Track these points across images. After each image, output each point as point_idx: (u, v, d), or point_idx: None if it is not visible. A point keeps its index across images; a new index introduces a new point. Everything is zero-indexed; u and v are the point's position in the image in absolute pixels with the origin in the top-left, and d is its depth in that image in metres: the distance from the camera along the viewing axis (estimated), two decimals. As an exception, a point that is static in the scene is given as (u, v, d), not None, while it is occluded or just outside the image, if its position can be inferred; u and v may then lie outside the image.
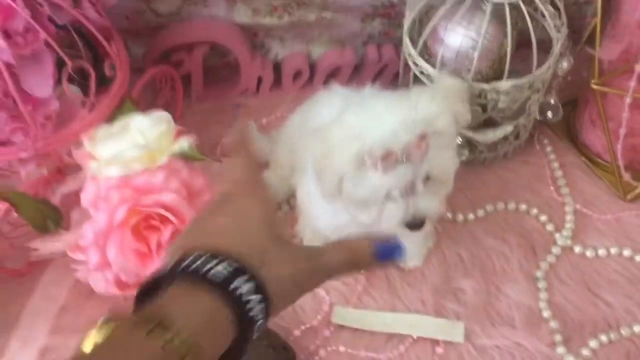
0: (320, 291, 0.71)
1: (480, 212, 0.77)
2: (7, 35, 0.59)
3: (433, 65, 0.71)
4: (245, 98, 0.88)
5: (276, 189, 0.75)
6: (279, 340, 0.66)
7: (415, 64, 0.73)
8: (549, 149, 0.83)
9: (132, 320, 0.34)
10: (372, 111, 0.59)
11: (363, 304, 0.71)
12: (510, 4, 0.68)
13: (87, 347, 0.45)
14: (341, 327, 0.69)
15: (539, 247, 0.75)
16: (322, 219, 0.66)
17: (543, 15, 0.71)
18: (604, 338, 0.68)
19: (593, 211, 0.78)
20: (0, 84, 0.61)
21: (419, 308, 0.70)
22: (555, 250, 0.75)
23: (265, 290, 0.37)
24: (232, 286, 0.36)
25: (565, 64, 0.74)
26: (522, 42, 0.71)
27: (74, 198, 0.67)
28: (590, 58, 0.73)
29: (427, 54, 0.73)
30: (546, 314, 0.70)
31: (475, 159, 0.80)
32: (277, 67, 0.87)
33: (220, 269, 0.36)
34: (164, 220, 0.62)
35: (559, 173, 0.81)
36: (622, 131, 0.73)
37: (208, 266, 0.36)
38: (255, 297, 0.36)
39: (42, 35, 0.60)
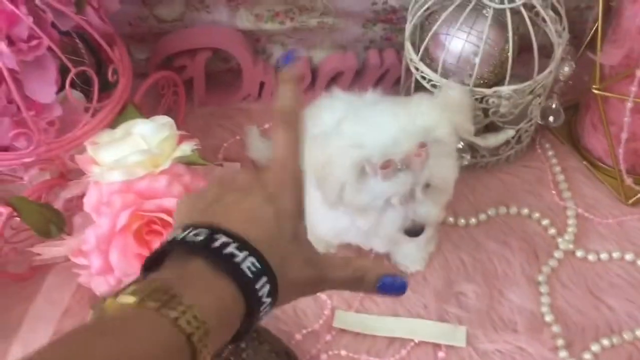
0: (322, 295, 0.71)
1: (482, 216, 0.77)
2: (11, 42, 0.60)
3: (435, 71, 0.72)
4: (247, 103, 0.88)
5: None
6: (281, 345, 0.66)
7: (417, 69, 0.73)
8: (550, 153, 0.83)
9: (144, 292, 0.33)
10: (372, 119, 0.59)
11: (365, 309, 0.71)
12: (511, 9, 0.68)
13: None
14: (343, 331, 0.69)
15: (541, 252, 0.75)
16: (323, 224, 0.66)
17: (544, 21, 0.72)
18: (606, 342, 0.68)
19: (595, 215, 0.78)
20: (3, 89, 0.61)
21: (421, 312, 0.70)
22: (558, 254, 0.75)
23: (277, 292, 0.37)
24: (256, 286, 0.35)
25: (566, 69, 0.74)
26: (523, 47, 0.72)
27: (76, 203, 0.67)
28: (592, 63, 0.73)
29: (429, 59, 0.73)
30: (548, 318, 0.70)
31: (477, 163, 0.80)
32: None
33: (249, 265, 0.35)
34: (166, 225, 0.62)
35: (560, 177, 0.81)
36: (624, 135, 0.73)
37: (240, 259, 0.35)
38: (269, 300, 0.36)
39: (46, 41, 0.61)
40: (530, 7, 0.71)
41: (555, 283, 0.73)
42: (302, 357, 0.68)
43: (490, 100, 0.71)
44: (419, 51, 0.72)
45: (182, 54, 0.83)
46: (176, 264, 0.36)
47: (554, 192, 0.80)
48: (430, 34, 0.71)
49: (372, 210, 0.60)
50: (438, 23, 0.70)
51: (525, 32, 0.69)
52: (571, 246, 0.75)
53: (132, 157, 0.63)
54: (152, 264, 0.37)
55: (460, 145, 0.75)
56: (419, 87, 0.75)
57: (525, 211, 0.78)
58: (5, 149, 0.65)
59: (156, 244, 0.62)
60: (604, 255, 0.74)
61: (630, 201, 0.78)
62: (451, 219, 0.77)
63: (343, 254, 0.74)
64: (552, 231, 0.76)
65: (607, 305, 0.71)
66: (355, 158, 0.57)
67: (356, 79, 0.87)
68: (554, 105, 0.77)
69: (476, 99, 0.71)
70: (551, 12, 0.72)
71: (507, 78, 0.70)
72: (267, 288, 0.36)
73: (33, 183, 0.68)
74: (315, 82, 0.87)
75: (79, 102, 0.68)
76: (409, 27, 0.74)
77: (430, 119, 0.58)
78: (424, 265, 0.73)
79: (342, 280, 0.41)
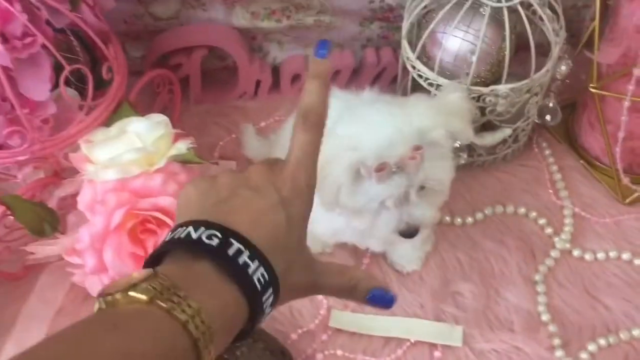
0: (318, 295, 0.71)
1: (479, 216, 0.77)
2: (5, 39, 0.59)
3: (431, 69, 0.71)
4: (243, 101, 0.87)
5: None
6: (277, 344, 0.66)
7: (414, 68, 0.73)
8: (547, 152, 0.83)
9: (155, 289, 0.32)
10: (368, 118, 0.59)
11: (361, 308, 0.70)
12: (508, 8, 0.68)
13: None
14: (339, 330, 0.69)
15: (537, 251, 0.75)
16: (320, 224, 0.66)
17: (541, 19, 0.71)
18: (602, 342, 0.68)
19: (592, 214, 0.78)
20: (-3, 87, 0.61)
21: (417, 312, 0.70)
22: (554, 253, 0.74)
23: (278, 299, 0.37)
24: (263, 298, 0.35)
25: (563, 68, 0.74)
26: (520, 46, 0.71)
27: (70, 201, 0.67)
28: (589, 61, 0.73)
29: (426, 57, 0.73)
30: (545, 317, 0.70)
31: (474, 162, 0.80)
32: (275, 71, 0.87)
33: (259, 276, 0.35)
34: (160, 223, 0.62)
35: (557, 176, 0.80)
36: (621, 134, 0.73)
37: (252, 269, 0.35)
38: (270, 308, 0.37)
39: (40, 39, 0.60)
40: (527, 6, 0.70)
41: (552, 282, 0.72)
42: (298, 357, 0.67)
43: (487, 99, 0.71)
44: (415, 49, 0.72)
45: (177, 51, 0.83)
46: (183, 263, 0.35)
47: (550, 191, 0.80)
48: (427, 32, 0.71)
49: (367, 212, 0.60)
50: (435, 21, 0.70)
51: (523, 31, 0.69)
52: (568, 245, 0.75)
53: (126, 156, 0.62)
54: (158, 256, 0.36)
55: (457, 144, 0.74)
56: (416, 86, 0.74)
57: (522, 210, 0.78)
58: (-1, 147, 0.64)
59: (151, 242, 0.62)
60: (600, 255, 0.74)
61: (627, 200, 0.78)
62: (448, 218, 0.77)
63: (341, 256, 0.74)
64: (549, 230, 0.76)
65: (604, 305, 0.71)
66: (351, 161, 0.57)
67: (353, 77, 0.87)
68: (551, 104, 0.77)
69: (473, 98, 0.70)
70: (548, 11, 0.72)
71: (504, 76, 0.70)
72: (271, 298, 0.36)
73: (27, 181, 0.68)
74: (312, 80, 0.87)
75: (74, 99, 0.67)
76: (405, 26, 0.74)
77: (427, 120, 0.58)
78: (421, 265, 0.73)
79: (335, 287, 0.41)
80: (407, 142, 0.57)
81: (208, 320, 0.32)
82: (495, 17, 0.69)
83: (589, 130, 0.80)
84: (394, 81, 0.85)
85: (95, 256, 0.62)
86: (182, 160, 0.65)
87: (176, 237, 0.36)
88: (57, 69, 0.63)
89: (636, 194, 0.78)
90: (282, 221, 0.37)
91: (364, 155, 0.57)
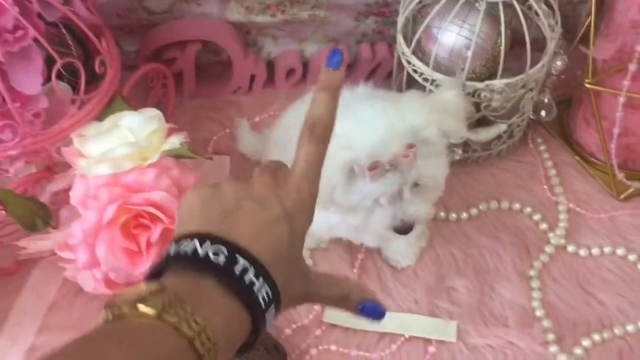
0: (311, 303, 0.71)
1: (474, 211, 0.77)
2: (-4, 32, 0.59)
3: (427, 64, 0.71)
4: (237, 96, 0.87)
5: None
6: (271, 340, 0.66)
7: (409, 63, 0.73)
8: (542, 148, 0.83)
9: (162, 304, 0.32)
10: (361, 119, 0.58)
11: (355, 304, 0.70)
12: (504, 3, 0.68)
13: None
14: (333, 326, 0.69)
15: (532, 246, 0.75)
16: (316, 221, 0.66)
17: (537, 14, 0.71)
18: (597, 337, 0.68)
19: (586, 210, 0.78)
20: (-12, 80, 0.60)
21: (412, 307, 0.70)
22: (549, 249, 0.74)
23: (279, 312, 0.37)
24: (266, 315, 0.35)
25: (559, 63, 0.73)
26: (516, 41, 0.71)
27: (63, 196, 0.66)
28: (584, 57, 0.73)
29: (421, 53, 0.73)
30: (539, 313, 0.70)
31: (468, 157, 0.80)
32: (270, 65, 0.87)
33: (264, 295, 0.35)
34: (154, 218, 0.61)
35: (552, 172, 0.80)
36: (616, 130, 0.73)
37: (257, 287, 0.35)
38: (271, 322, 0.37)
39: (31, 32, 0.60)
40: (523, 1, 0.70)
41: (547, 278, 0.72)
42: (292, 352, 0.67)
43: (483, 94, 0.71)
44: (411, 44, 0.72)
45: (171, 46, 0.82)
46: (188, 278, 0.35)
47: (545, 187, 0.79)
48: (422, 27, 0.70)
49: (361, 210, 0.60)
50: (430, 16, 0.70)
51: (518, 26, 0.68)
52: (562, 241, 0.75)
53: (119, 150, 0.62)
54: (160, 267, 0.36)
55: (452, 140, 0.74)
56: (411, 81, 0.74)
57: (517, 206, 0.78)
58: (-10, 141, 0.64)
59: (143, 238, 0.61)
60: (595, 250, 0.74)
61: (622, 196, 0.78)
62: (442, 214, 0.77)
63: (335, 252, 0.73)
64: (544, 226, 0.76)
65: (598, 300, 0.71)
66: (344, 160, 0.57)
67: (348, 72, 0.86)
68: (546, 100, 0.77)
69: (468, 93, 0.70)
70: (544, 6, 0.72)
71: (500, 72, 0.70)
72: (273, 312, 0.36)
73: (19, 176, 0.67)
74: (307, 75, 0.87)
75: (66, 93, 0.67)
76: (401, 20, 0.74)
77: (420, 118, 0.58)
78: (415, 260, 0.73)
79: (328, 297, 0.41)
80: (400, 140, 0.57)
81: (214, 337, 0.33)
82: (491, 12, 0.69)
83: (584, 126, 0.80)
84: (389, 76, 0.84)
85: (87, 251, 0.61)
86: (176, 155, 0.65)
87: (182, 252, 0.35)
88: (49, 62, 0.63)
89: (631, 190, 0.78)
90: (285, 234, 0.38)
91: (357, 154, 0.56)
